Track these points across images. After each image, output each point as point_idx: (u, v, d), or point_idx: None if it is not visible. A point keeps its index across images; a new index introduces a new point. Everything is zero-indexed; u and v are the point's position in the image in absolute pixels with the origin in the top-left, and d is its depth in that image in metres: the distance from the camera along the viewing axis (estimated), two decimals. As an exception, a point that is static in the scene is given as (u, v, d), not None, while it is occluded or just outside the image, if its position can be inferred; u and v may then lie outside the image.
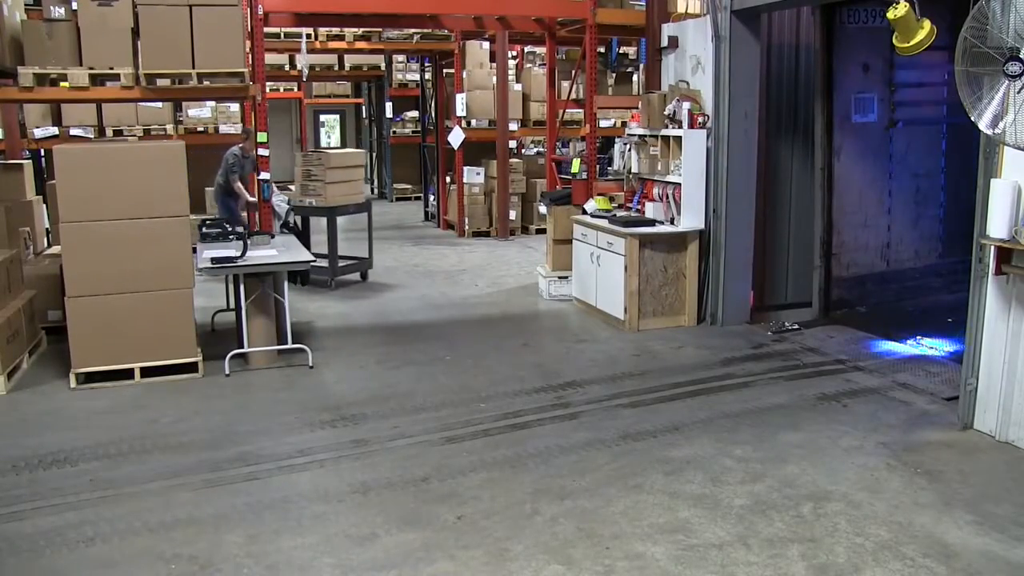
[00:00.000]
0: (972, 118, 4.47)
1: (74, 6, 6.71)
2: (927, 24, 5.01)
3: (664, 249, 7.46)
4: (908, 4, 4.94)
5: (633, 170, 8.13)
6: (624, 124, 11.15)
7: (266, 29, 8.74)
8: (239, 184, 9.61)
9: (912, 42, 5.06)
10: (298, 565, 3.73)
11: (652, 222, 7.64)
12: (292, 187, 10.83)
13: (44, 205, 8.50)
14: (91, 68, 6.66)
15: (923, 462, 4.71)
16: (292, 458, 4.85)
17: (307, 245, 8.28)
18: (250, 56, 7.29)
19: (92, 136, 10.92)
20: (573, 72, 11.75)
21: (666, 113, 7.60)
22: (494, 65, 13.41)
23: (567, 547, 3.85)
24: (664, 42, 8.07)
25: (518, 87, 13.75)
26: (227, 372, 6.31)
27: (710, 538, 3.92)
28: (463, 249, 12.24)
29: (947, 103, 8.02)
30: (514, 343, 7.23)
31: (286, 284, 6.67)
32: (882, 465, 4.68)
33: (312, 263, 6.72)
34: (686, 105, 7.43)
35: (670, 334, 7.34)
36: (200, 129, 11.47)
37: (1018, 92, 4.29)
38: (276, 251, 6.82)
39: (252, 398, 5.92)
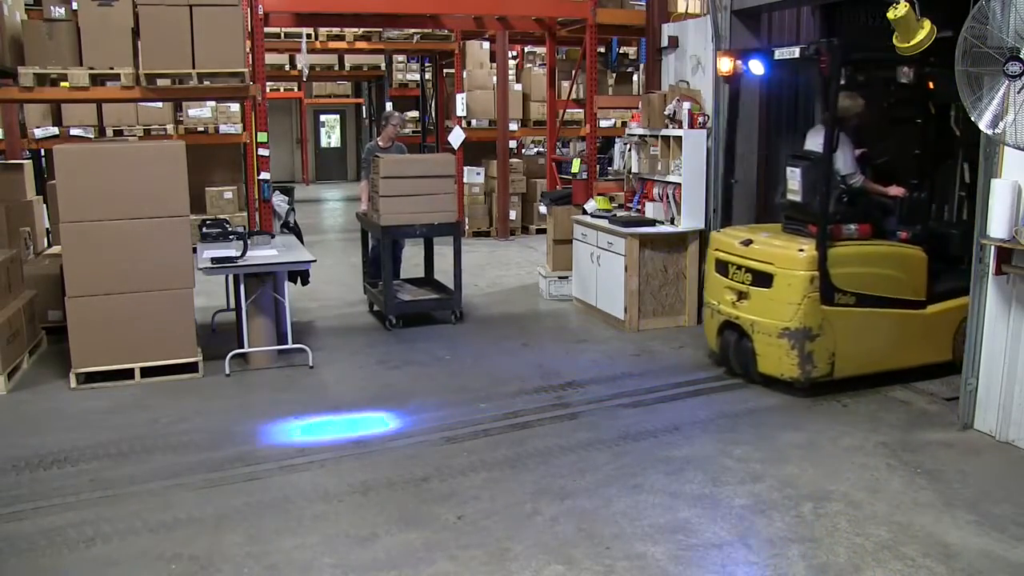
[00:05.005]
0: (972, 118, 4.48)
1: (74, 6, 6.72)
2: (927, 24, 5.01)
3: (664, 249, 7.46)
4: (908, 4, 4.94)
5: (633, 170, 8.12)
6: (624, 124, 11.16)
7: (266, 29, 8.74)
8: (364, 184, 8.23)
9: (912, 42, 5.05)
10: (298, 565, 3.73)
11: (652, 222, 7.64)
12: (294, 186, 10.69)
13: (44, 205, 8.49)
14: (91, 68, 6.66)
15: (923, 462, 4.71)
16: (292, 458, 4.85)
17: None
18: (250, 56, 7.29)
19: (92, 136, 10.92)
20: (573, 72, 11.76)
21: (666, 113, 7.59)
22: (494, 65, 13.42)
23: (567, 547, 3.85)
24: (664, 42, 8.08)
25: (518, 87, 13.75)
26: (227, 372, 6.31)
27: (710, 538, 3.92)
28: (463, 249, 12.21)
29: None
30: (514, 343, 7.23)
31: (286, 284, 6.67)
32: (882, 465, 4.68)
33: (313, 262, 6.71)
34: (686, 105, 7.43)
35: (670, 334, 7.34)
36: (200, 129, 11.45)
37: (1018, 92, 4.29)
38: (276, 251, 6.82)
39: (252, 398, 5.92)
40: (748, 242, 5.94)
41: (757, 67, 6.22)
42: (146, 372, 6.10)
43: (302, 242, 7.68)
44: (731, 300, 5.99)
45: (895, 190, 6.02)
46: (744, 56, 6.27)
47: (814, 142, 5.95)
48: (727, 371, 6.20)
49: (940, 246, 6.01)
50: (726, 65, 6.30)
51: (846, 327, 5.64)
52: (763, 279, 5.74)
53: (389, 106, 17.16)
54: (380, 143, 8.38)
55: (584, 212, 8.33)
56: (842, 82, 5.69)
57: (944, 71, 5.67)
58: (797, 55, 5.74)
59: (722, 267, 6.13)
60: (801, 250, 5.59)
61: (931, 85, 5.95)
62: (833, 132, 5.57)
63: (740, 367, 6.03)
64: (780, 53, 5.95)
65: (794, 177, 5.94)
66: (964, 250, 5.97)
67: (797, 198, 5.92)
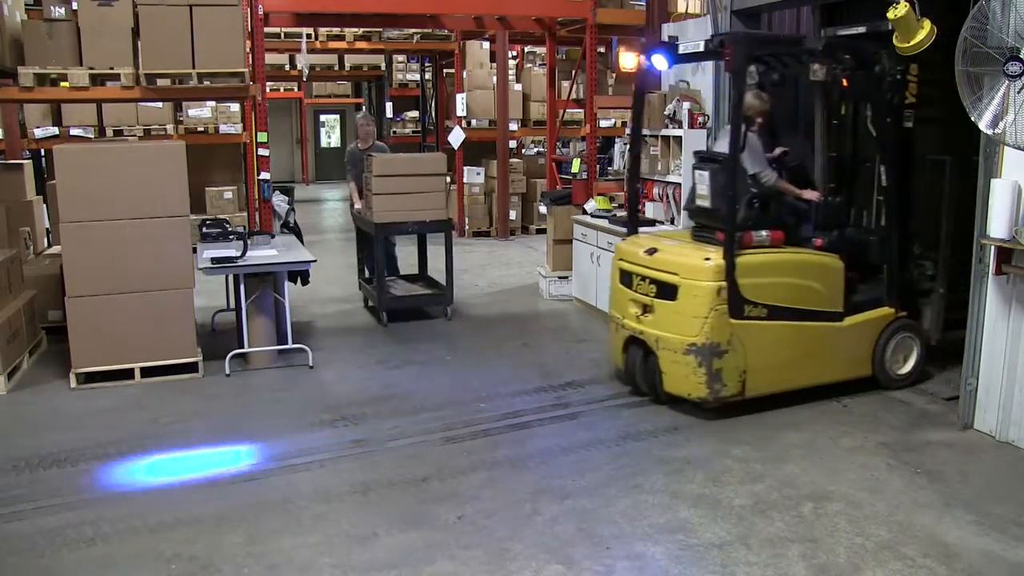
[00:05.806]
0: (972, 118, 4.48)
1: (74, 6, 6.73)
2: (927, 24, 5.01)
3: (664, 249, 7.43)
4: (908, 4, 4.94)
5: (633, 170, 8.11)
6: (624, 124, 11.17)
7: (266, 29, 8.75)
8: (353, 185, 8.35)
9: (912, 42, 5.06)
10: (298, 565, 3.73)
11: (652, 222, 7.63)
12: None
13: (44, 205, 8.50)
14: (91, 68, 6.67)
15: (923, 462, 4.71)
16: (292, 458, 4.85)
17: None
18: (250, 56, 7.29)
19: (92, 136, 10.93)
20: (573, 72, 11.78)
21: (666, 113, 7.59)
22: (494, 65, 13.43)
23: (567, 547, 3.85)
24: (664, 42, 8.07)
25: (518, 87, 13.76)
26: (227, 372, 6.31)
27: (710, 538, 3.92)
28: (463, 249, 12.21)
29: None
30: (514, 343, 7.23)
31: (286, 284, 6.68)
32: (882, 465, 4.68)
33: (313, 262, 6.72)
34: (686, 105, 7.43)
35: (670, 334, 7.33)
36: (200, 129, 11.46)
37: (1018, 92, 4.29)
38: (276, 251, 6.82)
39: (252, 398, 5.92)
40: (653, 251, 5.49)
41: (660, 62, 5.96)
42: (146, 372, 6.10)
43: (302, 242, 7.69)
44: (635, 314, 5.52)
45: (810, 194, 5.68)
46: (648, 51, 6.00)
47: (724, 143, 5.54)
48: (633, 390, 5.78)
49: (858, 254, 5.66)
50: (630, 61, 6.12)
51: (757, 342, 5.22)
52: (667, 291, 5.28)
53: (389, 106, 17.23)
54: (360, 146, 8.46)
55: (584, 212, 8.33)
56: (753, 80, 5.46)
57: (858, 71, 5.52)
58: (701, 49, 5.52)
59: (626, 278, 5.66)
60: (707, 259, 5.14)
61: (845, 84, 5.69)
62: (739, 131, 5.27)
63: (647, 386, 5.61)
64: (684, 47, 5.71)
65: (703, 181, 5.55)
66: (883, 258, 5.71)
67: (706, 203, 5.53)
